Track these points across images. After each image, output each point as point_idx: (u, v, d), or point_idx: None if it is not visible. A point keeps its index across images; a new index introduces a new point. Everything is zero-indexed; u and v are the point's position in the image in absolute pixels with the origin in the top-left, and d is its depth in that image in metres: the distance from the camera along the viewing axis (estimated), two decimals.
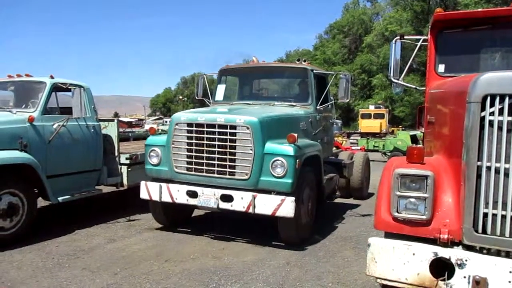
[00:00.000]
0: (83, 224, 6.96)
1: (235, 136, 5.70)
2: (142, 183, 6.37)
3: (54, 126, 6.48)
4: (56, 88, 6.80)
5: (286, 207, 5.42)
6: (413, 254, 2.88)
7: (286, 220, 5.59)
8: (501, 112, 2.70)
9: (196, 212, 7.50)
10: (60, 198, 6.52)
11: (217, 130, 5.78)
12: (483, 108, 2.75)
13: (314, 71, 7.36)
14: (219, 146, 5.79)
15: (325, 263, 5.39)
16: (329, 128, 8.08)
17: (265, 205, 5.52)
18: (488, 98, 2.73)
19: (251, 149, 5.62)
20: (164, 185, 6.14)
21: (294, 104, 7.14)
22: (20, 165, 5.90)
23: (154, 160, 6.35)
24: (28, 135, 6.11)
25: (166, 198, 6.13)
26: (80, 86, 6.89)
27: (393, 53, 4.79)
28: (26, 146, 6.02)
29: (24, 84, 6.95)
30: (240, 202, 5.65)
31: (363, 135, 25.80)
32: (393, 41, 4.80)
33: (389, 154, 17.74)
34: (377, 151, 20.40)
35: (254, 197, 5.55)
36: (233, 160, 5.73)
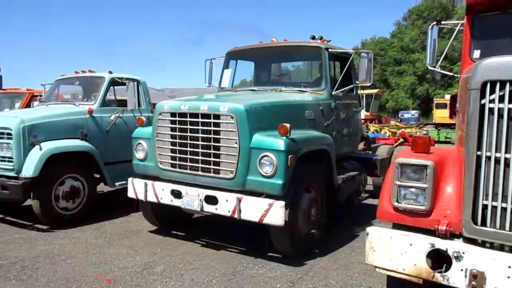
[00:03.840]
0: (138, 208, 7.50)
1: (219, 127, 4.94)
2: (129, 180, 5.84)
3: (111, 117, 7.12)
4: (113, 82, 7.42)
5: (275, 214, 4.55)
6: (410, 244, 2.86)
7: (278, 229, 4.77)
8: (501, 99, 2.56)
9: None
10: (117, 183, 7.14)
11: (200, 120, 5.08)
12: (483, 95, 2.63)
13: (330, 50, 6.31)
14: (202, 139, 5.07)
15: (358, 253, 5.34)
16: (352, 118, 6.86)
17: (251, 210, 4.71)
18: (488, 85, 2.60)
19: (236, 143, 4.82)
20: (149, 182, 5.53)
21: (304, 89, 6.18)
22: (80, 153, 6.58)
23: (140, 155, 5.80)
24: (88, 126, 6.80)
25: (151, 198, 5.52)
26: (135, 80, 7.44)
27: (429, 39, 4.61)
28: (86, 136, 6.71)
29: (87, 79, 7.70)
30: (225, 205, 4.88)
31: (438, 126, 24.40)
32: (430, 26, 4.62)
33: None
34: (449, 142, 19.25)
35: (239, 200, 4.76)
36: (218, 156, 4.98)
